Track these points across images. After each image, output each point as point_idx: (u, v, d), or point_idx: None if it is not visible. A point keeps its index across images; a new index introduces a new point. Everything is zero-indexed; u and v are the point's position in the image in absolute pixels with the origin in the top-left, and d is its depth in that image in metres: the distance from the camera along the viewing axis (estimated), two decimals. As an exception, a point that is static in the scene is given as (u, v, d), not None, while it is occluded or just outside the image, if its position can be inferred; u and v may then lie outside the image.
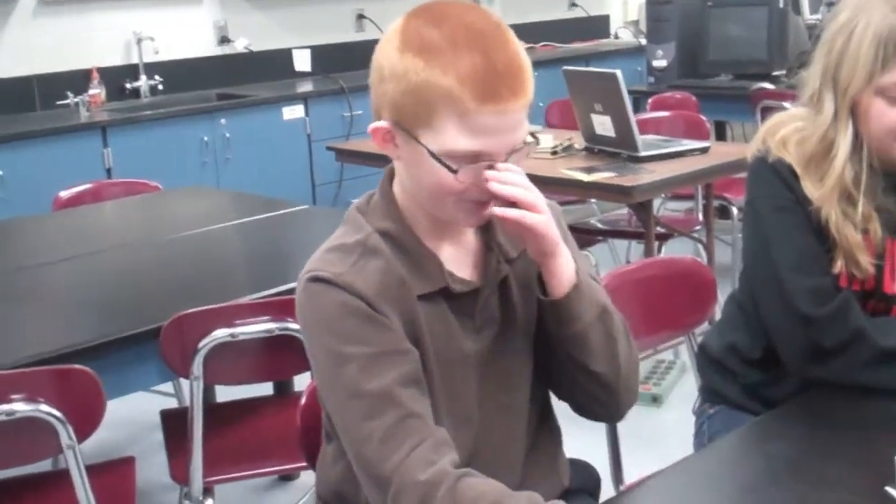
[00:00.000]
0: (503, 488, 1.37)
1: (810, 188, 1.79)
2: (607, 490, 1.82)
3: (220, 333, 2.28)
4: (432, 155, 1.40)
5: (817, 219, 1.79)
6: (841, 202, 1.77)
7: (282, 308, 2.33)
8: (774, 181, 1.82)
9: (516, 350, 1.58)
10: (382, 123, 1.45)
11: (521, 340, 1.58)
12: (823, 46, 1.82)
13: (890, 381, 1.74)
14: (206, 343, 2.27)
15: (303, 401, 1.83)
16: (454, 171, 1.39)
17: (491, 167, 1.41)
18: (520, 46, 1.42)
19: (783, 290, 1.80)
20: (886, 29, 1.73)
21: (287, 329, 2.31)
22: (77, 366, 2.03)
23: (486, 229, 1.56)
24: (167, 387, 3.57)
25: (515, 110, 1.40)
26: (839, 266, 1.78)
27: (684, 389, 3.70)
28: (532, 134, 1.47)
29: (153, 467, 3.11)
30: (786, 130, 1.84)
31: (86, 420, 2.04)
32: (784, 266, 1.81)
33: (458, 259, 1.53)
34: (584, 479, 1.80)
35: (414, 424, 1.40)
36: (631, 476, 2.07)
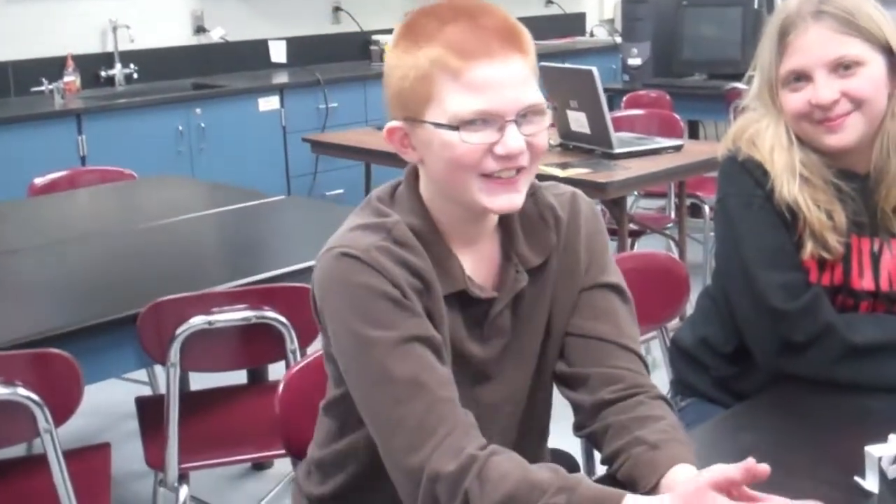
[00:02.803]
0: (525, 465, 1.35)
1: (778, 183, 1.82)
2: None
3: (198, 321, 2.29)
4: (438, 126, 1.40)
5: (787, 210, 1.81)
6: (802, 186, 1.80)
7: (259, 296, 2.34)
8: (744, 179, 1.86)
9: (520, 361, 1.57)
10: (395, 123, 1.46)
11: (528, 352, 1.57)
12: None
13: (859, 376, 1.77)
14: (184, 330, 2.28)
15: (280, 389, 1.84)
16: (457, 129, 1.38)
17: (501, 129, 1.40)
18: (511, 15, 1.44)
19: (754, 286, 1.83)
20: (779, 22, 1.82)
21: (264, 317, 2.33)
22: (55, 350, 2.04)
23: (508, 238, 1.54)
24: (141, 375, 3.57)
25: (510, 65, 1.39)
26: (808, 251, 1.81)
27: (656, 384, 3.73)
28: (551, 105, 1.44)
29: (127, 455, 3.11)
30: (754, 129, 1.88)
31: (63, 404, 2.05)
32: (754, 262, 1.83)
33: (476, 266, 1.52)
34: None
35: (444, 410, 1.37)
36: (602, 468, 2.09)
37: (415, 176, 1.52)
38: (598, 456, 1.98)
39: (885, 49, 1.79)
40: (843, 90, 1.77)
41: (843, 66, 1.77)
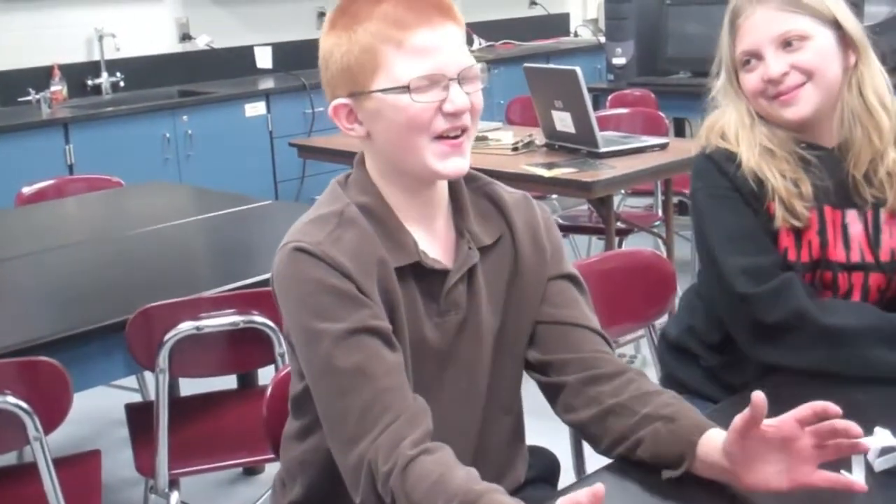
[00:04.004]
0: (447, 468, 1.36)
1: (743, 157, 1.89)
2: (568, 478, 1.84)
3: (186, 326, 2.30)
4: (387, 91, 1.46)
5: (754, 181, 1.87)
6: (765, 156, 1.88)
7: (247, 301, 2.35)
8: (711, 171, 1.92)
9: (477, 339, 1.60)
10: (340, 100, 1.52)
11: (484, 330, 1.60)
12: None
13: (835, 362, 1.79)
14: (172, 336, 2.29)
15: (268, 392, 1.84)
16: (407, 90, 1.45)
17: (445, 88, 1.47)
18: None
19: (720, 272, 1.88)
20: (731, 7, 1.94)
21: (252, 322, 2.34)
22: (44, 358, 2.04)
23: (460, 215, 1.59)
24: (131, 381, 3.57)
25: (447, 31, 1.48)
26: (780, 219, 1.86)
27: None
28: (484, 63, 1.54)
29: (117, 462, 3.12)
30: (721, 121, 1.96)
31: (52, 412, 2.05)
32: (719, 249, 1.88)
33: (430, 242, 1.56)
34: (542, 467, 1.82)
35: (389, 399, 1.42)
36: (592, 465, 2.10)
37: (363, 160, 1.58)
38: (587, 455, 2.00)
39: (833, 23, 1.88)
40: (792, 63, 1.86)
41: (789, 42, 1.86)
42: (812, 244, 1.88)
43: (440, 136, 1.49)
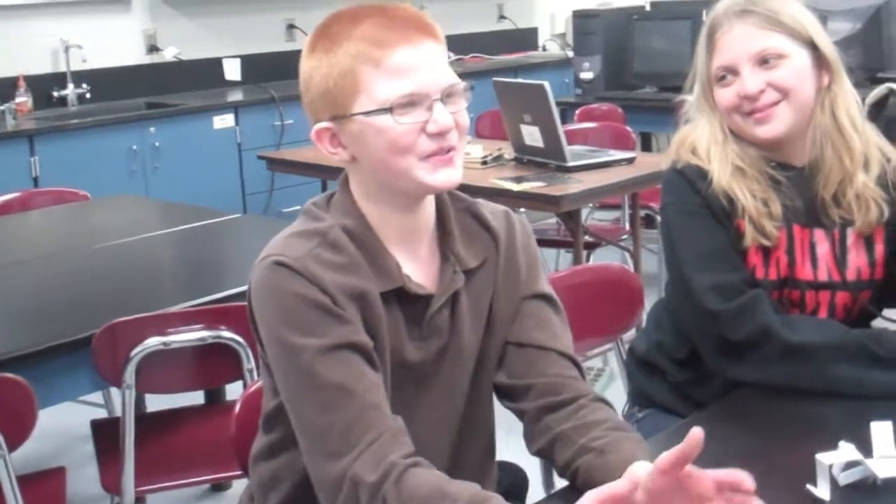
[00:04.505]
0: (443, 477, 1.38)
1: (714, 174, 1.89)
2: (537, 493, 1.84)
3: (153, 342, 2.28)
4: (369, 114, 1.44)
5: (725, 198, 1.87)
6: (736, 175, 1.89)
7: (215, 316, 2.34)
8: (681, 187, 1.93)
9: (459, 363, 1.59)
10: (322, 124, 1.50)
11: (465, 354, 1.59)
12: None
13: (799, 378, 1.80)
14: (139, 351, 2.27)
15: (237, 408, 1.83)
16: (390, 111, 1.43)
17: (429, 109, 1.45)
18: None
19: (689, 288, 1.88)
20: (709, 21, 1.94)
21: (220, 337, 2.33)
22: (8, 374, 2.02)
23: (445, 238, 1.57)
24: (97, 397, 3.53)
25: (427, 48, 1.46)
26: (749, 238, 1.86)
27: (613, 396, 3.71)
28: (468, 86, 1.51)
29: (82, 479, 3.08)
30: (693, 136, 1.96)
31: (17, 429, 2.03)
32: (688, 265, 1.89)
33: (414, 266, 1.54)
34: (510, 483, 1.82)
35: (372, 417, 1.40)
36: (561, 481, 2.10)
37: (347, 182, 1.56)
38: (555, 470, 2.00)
39: (809, 43, 1.89)
40: (769, 81, 1.87)
41: (766, 59, 1.87)
42: (780, 262, 1.89)
43: (425, 157, 1.46)
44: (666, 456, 1.24)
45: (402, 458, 1.38)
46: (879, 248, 1.91)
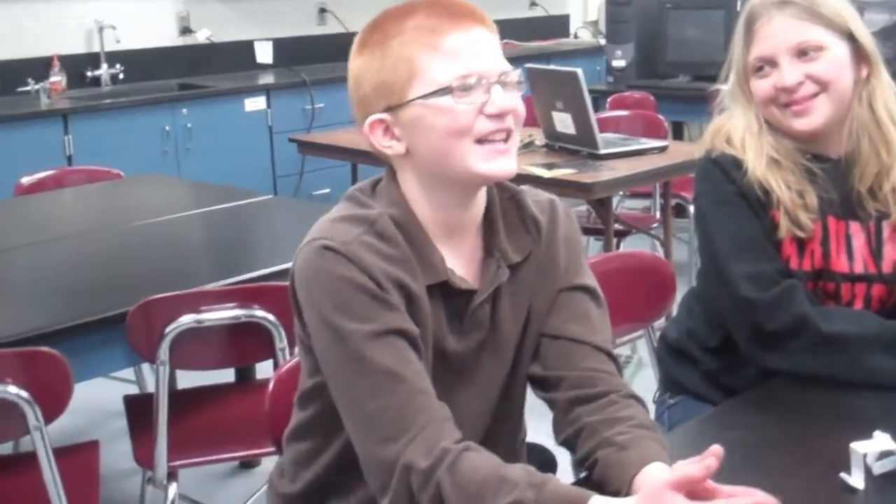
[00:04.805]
0: (497, 461, 1.37)
1: (750, 164, 1.89)
2: (565, 476, 1.84)
3: (187, 319, 2.30)
4: (427, 97, 1.43)
5: (760, 189, 1.87)
6: (771, 167, 1.88)
7: (248, 295, 2.35)
8: (716, 176, 1.92)
9: (498, 356, 1.58)
10: (376, 115, 1.48)
11: (505, 347, 1.58)
12: None
13: (835, 368, 1.79)
14: (173, 328, 2.29)
15: (271, 387, 1.85)
16: (450, 92, 1.42)
17: (487, 91, 1.44)
18: None
19: (725, 278, 1.88)
20: (746, 13, 1.93)
21: (253, 316, 2.34)
22: (45, 348, 2.04)
23: (491, 233, 1.56)
24: (129, 374, 3.58)
25: (481, 34, 1.47)
26: (784, 229, 1.86)
27: (642, 384, 3.73)
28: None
29: (114, 453, 3.11)
30: (728, 126, 1.96)
31: (53, 402, 2.05)
32: (724, 254, 1.89)
33: (457, 260, 1.53)
34: (537, 465, 1.83)
35: (422, 402, 1.39)
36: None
37: (393, 172, 1.54)
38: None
39: (848, 35, 1.88)
40: (807, 73, 1.86)
41: (805, 51, 1.86)
42: (815, 254, 1.88)
43: (483, 140, 1.45)
44: (678, 474, 1.26)
45: (453, 444, 1.37)
46: None
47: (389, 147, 1.50)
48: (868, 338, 1.79)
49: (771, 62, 1.88)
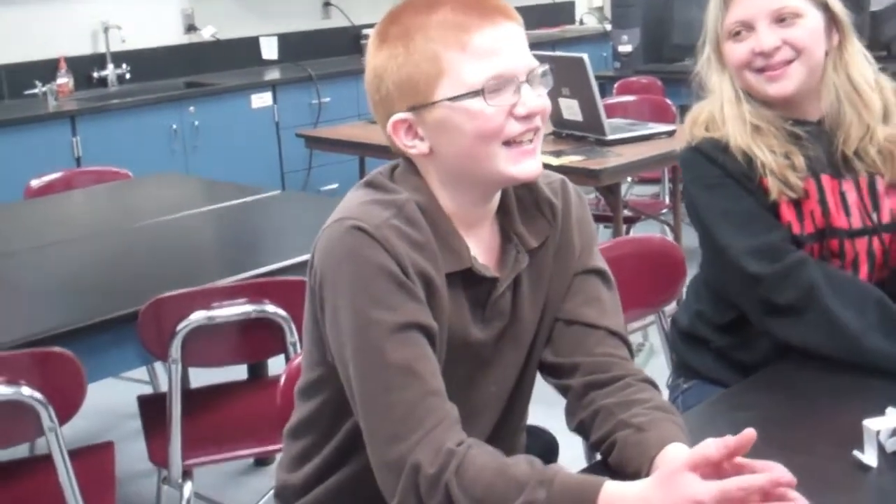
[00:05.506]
0: (501, 458, 1.36)
1: (731, 134, 1.90)
2: (574, 460, 1.83)
3: (198, 316, 2.30)
4: (456, 99, 1.40)
5: (743, 158, 1.88)
6: (753, 134, 1.90)
7: (258, 290, 2.35)
8: (700, 162, 1.93)
9: (517, 343, 1.57)
10: (400, 115, 1.45)
11: (524, 334, 1.57)
12: None
13: (835, 350, 1.80)
14: (184, 326, 2.29)
15: (282, 381, 1.84)
16: (481, 94, 1.39)
17: (517, 91, 1.42)
18: None
19: (728, 257, 1.88)
20: None
21: (264, 311, 2.34)
22: (57, 349, 2.05)
23: (507, 217, 1.54)
24: (142, 374, 3.58)
25: (510, 29, 1.43)
26: (775, 192, 1.87)
27: (654, 371, 3.71)
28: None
29: (129, 454, 3.13)
30: (706, 111, 1.97)
31: (67, 403, 2.06)
32: (723, 234, 1.89)
33: (477, 249, 1.51)
34: (539, 448, 1.82)
35: (434, 402, 1.37)
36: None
37: (411, 161, 1.51)
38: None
39: (822, 5, 1.91)
40: (784, 38, 1.88)
41: (783, 17, 1.88)
42: (815, 214, 1.89)
43: (510, 142, 1.43)
44: (696, 454, 1.26)
45: (457, 446, 1.35)
46: None
47: (413, 146, 1.47)
48: (869, 326, 1.79)
49: (748, 26, 1.90)
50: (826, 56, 1.92)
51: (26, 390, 2.00)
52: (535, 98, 1.43)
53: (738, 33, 1.91)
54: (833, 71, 1.92)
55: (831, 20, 1.92)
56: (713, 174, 1.91)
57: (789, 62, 1.88)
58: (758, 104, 1.92)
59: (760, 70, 1.90)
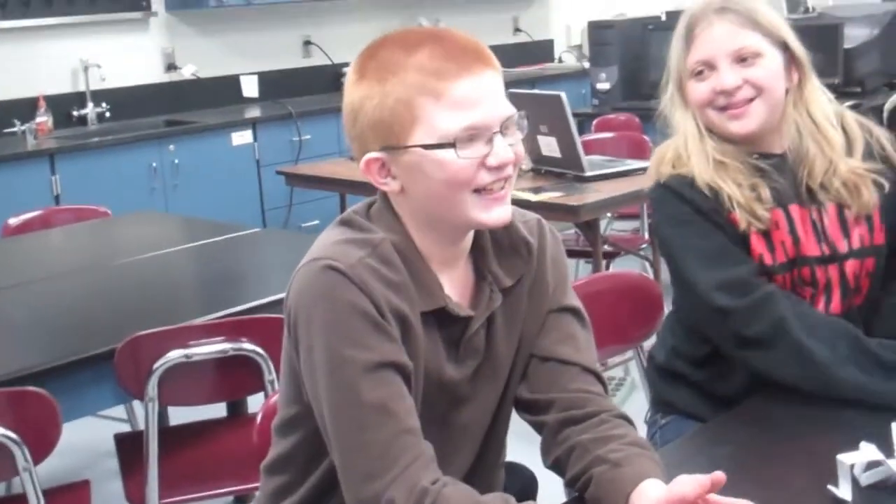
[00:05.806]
0: (475, 495, 1.37)
1: (695, 170, 1.92)
2: (554, 496, 1.83)
3: (175, 354, 2.30)
4: (428, 147, 1.41)
5: (710, 192, 1.90)
6: (718, 169, 1.92)
7: (236, 328, 2.35)
8: (669, 200, 1.95)
9: (492, 380, 1.57)
10: (373, 154, 1.45)
11: (499, 371, 1.58)
12: None
13: (809, 382, 1.80)
14: (161, 364, 2.29)
15: (259, 419, 1.84)
16: (453, 146, 1.40)
17: (489, 141, 1.42)
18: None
19: (697, 292, 1.89)
20: (686, 19, 1.98)
21: (241, 349, 2.34)
22: (32, 388, 2.04)
23: (482, 258, 1.55)
24: (119, 412, 3.56)
25: (487, 79, 1.43)
26: (744, 223, 1.88)
27: (635, 406, 3.74)
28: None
29: (106, 494, 3.10)
30: (671, 150, 1.99)
31: (42, 442, 2.05)
32: (692, 269, 1.91)
33: (452, 287, 1.52)
34: (518, 486, 1.81)
35: (408, 441, 1.38)
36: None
37: (387, 197, 1.52)
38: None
39: (782, 45, 1.94)
40: (746, 77, 1.91)
41: (744, 57, 1.92)
42: (786, 244, 1.91)
43: (480, 189, 1.44)
44: (672, 494, 1.29)
45: (431, 484, 1.36)
46: (876, 215, 1.94)
47: (385, 184, 1.48)
48: (841, 359, 1.79)
49: (710, 65, 1.93)
50: (787, 94, 1.95)
51: (0, 430, 1.99)
52: (507, 149, 1.43)
53: (700, 72, 1.94)
54: (794, 108, 1.96)
55: (791, 59, 1.95)
56: (683, 211, 1.92)
57: (750, 100, 1.91)
58: (721, 140, 1.95)
59: (723, 108, 1.93)
